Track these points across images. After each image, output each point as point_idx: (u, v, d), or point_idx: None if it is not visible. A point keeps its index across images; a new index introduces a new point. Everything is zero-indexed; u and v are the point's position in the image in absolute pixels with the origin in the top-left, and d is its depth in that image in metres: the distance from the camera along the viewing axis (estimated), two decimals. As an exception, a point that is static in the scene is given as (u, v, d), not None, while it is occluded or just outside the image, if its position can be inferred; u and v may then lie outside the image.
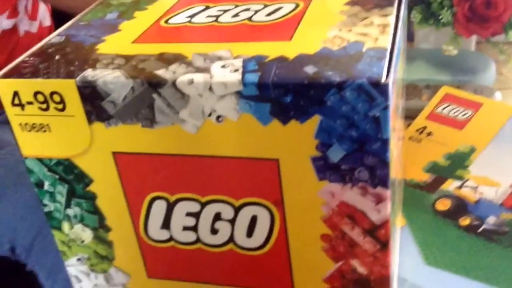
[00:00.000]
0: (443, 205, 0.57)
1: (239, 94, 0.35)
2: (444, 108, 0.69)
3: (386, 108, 0.33)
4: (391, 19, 0.40)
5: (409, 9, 0.82)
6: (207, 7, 0.47)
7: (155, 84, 0.37)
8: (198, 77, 0.36)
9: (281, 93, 0.35)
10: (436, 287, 0.50)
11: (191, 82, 0.36)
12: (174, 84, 0.36)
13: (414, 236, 0.54)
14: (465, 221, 0.55)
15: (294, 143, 0.37)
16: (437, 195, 0.59)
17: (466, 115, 0.67)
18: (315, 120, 0.35)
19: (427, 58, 0.83)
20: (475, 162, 0.61)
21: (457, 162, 0.62)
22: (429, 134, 0.67)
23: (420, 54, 0.84)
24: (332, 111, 0.34)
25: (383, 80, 0.33)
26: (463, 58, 0.80)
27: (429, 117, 0.69)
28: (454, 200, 0.57)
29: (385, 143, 0.35)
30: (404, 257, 0.52)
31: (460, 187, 0.59)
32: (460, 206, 0.57)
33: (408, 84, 0.78)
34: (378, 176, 0.36)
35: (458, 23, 0.76)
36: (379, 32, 0.38)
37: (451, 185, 0.59)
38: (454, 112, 0.68)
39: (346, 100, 0.34)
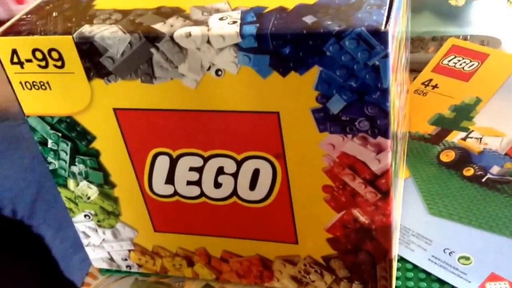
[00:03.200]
0: (447, 156, 0.57)
1: (237, 46, 0.35)
2: (450, 60, 0.68)
3: (385, 56, 0.33)
4: (392, -33, 0.39)
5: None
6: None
7: (153, 38, 0.36)
8: (196, 30, 0.35)
9: (279, 44, 0.34)
10: (439, 236, 0.50)
11: (188, 35, 0.35)
12: (171, 38, 0.36)
13: (418, 187, 0.55)
14: (468, 171, 0.55)
15: (294, 95, 0.36)
16: (441, 147, 0.58)
17: (472, 67, 0.66)
18: (315, 71, 0.35)
19: (434, 9, 0.81)
20: (481, 113, 0.61)
21: (462, 114, 0.61)
22: (434, 86, 0.66)
23: (427, 5, 0.83)
24: (332, 61, 0.34)
25: (382, 28, 0.32)
26: (470, 8, 0.79)
27: (435, 70, 0.68)
28: (458, 151, 0.57)
29: (385, 92, 0.34)
30: (408, 208, 0.53)
31: (465, 138, 0.59)
32: (464, 157, 0.57)
33: (415, 36, 0.77)
34: (378, 126, 0.36)
35: (465, -28, 0.74)
36: (379, -20, 0.38)
37: (455, 137, 0.59)
38: (460, 64, 0.67)
39: (346, 50, 0.33)
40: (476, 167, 0.55)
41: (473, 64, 0.67)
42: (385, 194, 0.39)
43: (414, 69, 0.70)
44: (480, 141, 0.58)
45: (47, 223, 0.66)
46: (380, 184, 0.39)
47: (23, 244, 0.73)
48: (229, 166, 0.42)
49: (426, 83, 0.67)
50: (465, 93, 0.64)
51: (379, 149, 0.37)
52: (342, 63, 0.34)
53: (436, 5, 0.81)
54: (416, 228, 0.51)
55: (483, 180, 0.54)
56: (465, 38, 0.72)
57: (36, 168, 0.66)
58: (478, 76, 0.65)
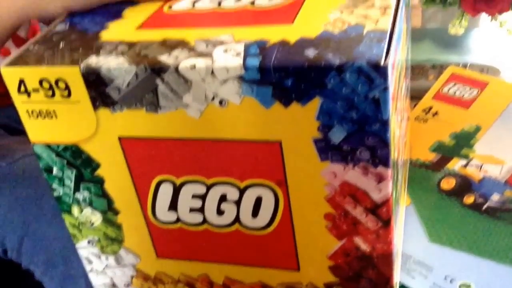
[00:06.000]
0: (448, 184, 0.58)
1: (241, 78, 0.36)
2: (450, 88, 0.69)
3: (385, 89, 0.34)
4: (392, 1, 0.40)
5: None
6: (210, -8, 0.47)
7: (158, 69, 0.37)
8: (200, 62, 0.36)
9: (282, 76, 0.35)
10: (440, 264, 0.50)
11: (193, 67, 0.36)
12: (176, 69, 0.37)
13: (419, 214, 0.55)
14: (469, 199, 0.56)
15: (296, 125, 0.37)
16: (442, 174, 0.59)
17: (472, 94, 0.67)
18: (316, 102, 0.36)
19: (434, 37, 0.83)
20: (481, 141, 0.62)
21: (463, 141, 0.62)
22: (435, 114, 0.67)
23: (427, 33, 0.84)
24: (333, 93, 0.35)
25: (382, 62, 0.33)
26: (469, 37, 0.80)
27: (436, 97, 0.69)
28: (459, 178, 0.58)
29: (385, 124, 0.35)
30: (409, 235, 0.53)
31: (465, 165, 0.59)
32: (465, 185, 0.57)
33: (415, 64, 0.78)
34: (379, 156, 0.37)
35: (465, 1, 0.76)
36: (380, 14, 0.39)
37: (456, 164, 0.60)
38: (460, 92, 0.68)
39: (346, 82, 0.34)
40: (477, 195, 0.56)
41: (472, 92, 0.67)
42: (386, 223, 0.40)
43: (415, 96, 0.71)
44: (480, 168, 0.58)
45: (35, 263, 0.67)
46: (381, 213, 0.39)
47: (18, 281, 0.74)
48: (232, 193, 0.42)
49: (427, 110, 0.67)
50: (465, 120, 0.64)
51: (380, 179, 0.38)
52: (343, 95, 0.35)
53: (436, 33, 0.82)
54: (417, 255, 0.51)
55: (484, 208, 0.55)
56: (464, 66, 0.73)
57: (19, 209, 0.67)
58: (478, 104, 0.66)
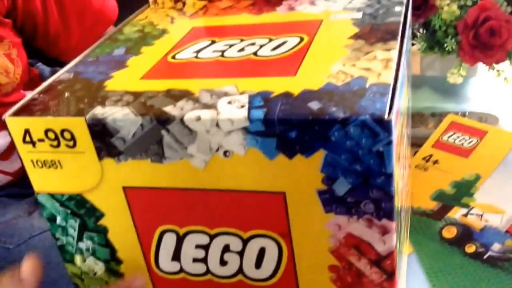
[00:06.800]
0: (449, 232, 0.58)
1: (245, 129, 0.36)
2: (449, 136, 0.70)
3: (389, 143, 0.34)
4: (394, 54, 0.41)
5: (414, 37, 0.83)
6: (213, 42, 0.48)
7: (164, 121, 0.37)
8: (205, 114, 0.37)
9: (286, 128, 0.36)
10: (443, 316, 0.50)
11: (198, 118, 0.37)
12: (182, 120, 0.37)
13: (421, 263, 0.55)
14: (470, 248, 0.55)
15: (300, 176, 0.37)
16: (443, 223, 0.59)
17: (472, 143, 0.68)
18: (320, 155, 0.36)
19: (433, 85, 0.83)
20: (481, 190, 0.62)
21: (463, 190, 0.62)
22: (435, 162, 0.67)
23: (426, 81, 0.85)
24: (337, 146, 0.35)
25: (385, 116, 0.33)
26: (467, 85, 0.81)
27: (435, 145, 0.70)
28: (460, 227, 0.58)
29: (389, 177, 0.35)
30: (412, 284, 0.53)
31: (466, 214, 0.59)
32: (466, 234, 0.57)
33: (415, 112, 0.78)
34: (383, 208, 0.37)
35: (463, 51, 0.77)
36: (382, 67, 0.39)
37: (457, 213, 0.60)
38: (460, 140, 0.69)
39: (350, 136, 0.34)
40: (478, 244, 0.56)
41: (472, 141, 0.68)
42: (390, 275, 0.39)
43: (415, 144, 0.72)
44: (481, 217, 0.58)
45: None
46: (385, 265, 0.39)
47: None
48: (235, 244, 0.42)
49: (427, 158, 0.68)
50: (465, 169, 0.65)
51: (384, 231, 0.38)
52: (346, 148, 0.35)
53: (435, 81, 0.83)
54: (420, 306, 0.51)
55: (485, 257, 0.54)
56: (463, 114, 0.74)
57: None
58: (477, 152, 0.67)
